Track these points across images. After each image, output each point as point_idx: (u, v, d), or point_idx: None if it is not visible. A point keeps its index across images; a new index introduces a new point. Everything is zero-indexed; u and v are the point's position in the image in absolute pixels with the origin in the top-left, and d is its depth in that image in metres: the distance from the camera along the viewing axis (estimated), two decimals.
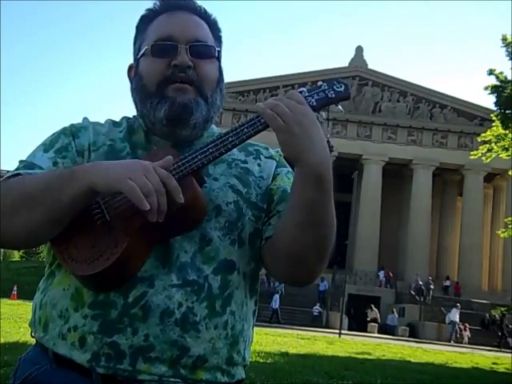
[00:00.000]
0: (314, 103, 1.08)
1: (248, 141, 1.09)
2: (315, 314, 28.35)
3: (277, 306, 26.60)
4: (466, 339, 26.47)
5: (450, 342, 25.25)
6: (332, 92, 1.09)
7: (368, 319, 28.64)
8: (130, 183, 0.97)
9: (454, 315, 26.83)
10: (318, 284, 28.55)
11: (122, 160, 1.09)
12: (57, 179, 1.04)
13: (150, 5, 1.25)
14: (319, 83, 1.10)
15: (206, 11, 1.26)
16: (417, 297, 30.77)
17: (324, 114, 1.10)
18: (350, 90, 1.11)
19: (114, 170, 1.01)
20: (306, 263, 1.14)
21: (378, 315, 29.07)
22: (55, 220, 1.04)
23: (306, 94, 1.08)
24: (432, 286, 31.64)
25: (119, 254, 1.01)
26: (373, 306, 29.26)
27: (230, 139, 1.06)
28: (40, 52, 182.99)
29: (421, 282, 31.37)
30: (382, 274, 33.96)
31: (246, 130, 1.06)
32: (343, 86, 1.10)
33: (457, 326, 26.80)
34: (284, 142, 1.04)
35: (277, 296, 26.53)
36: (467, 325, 27.23)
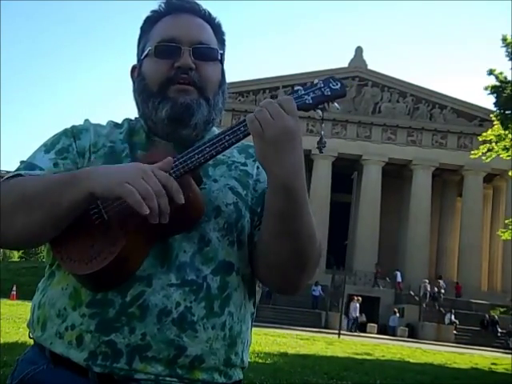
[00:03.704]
0: (311, 101, 1.08)
1: (249, 142, 1.10)
2: (315, 294, 28.28)
3: (357, 315, 26.89)
4: None
5: None
6: (328, 89, 1.09)
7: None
8: (128, 187, 0.97)
9: None
10: (313, 289, 28.26)
11: (121, 164, 1.09)
12: (57, 183, 1.05)
13: (154, 6, 1.26)
14: (315, 81, 1.11)
15: (210, 14, 1.27)
16: (416, 298, 30.71)
17: (320, 112, 1.10)
18: (347, 88, 1.13)
19: (113, 175, 1.01)
20: (285, 273, 1.14)
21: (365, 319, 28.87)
22: (54, 223, 1.05)
23: (303, 92, 1.09)
24: (443, 290, 31.36)
25: (117, 253, 1.01)
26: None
27: (227, 137, 1.06)
28: (40, 52, 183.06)
29: (428, 284, 31.10)
30: (398, 274, 33.88)
31: (242, 128, 1.06)
32: (339, 84, 1.10)
33: None
34: (256, 147, 1.04)
35: (356, 304, 26.81)
36: None
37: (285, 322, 25.31)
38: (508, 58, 15.54)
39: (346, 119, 36.80)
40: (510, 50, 15.37)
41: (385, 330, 27.92)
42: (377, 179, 37.86)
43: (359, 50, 41.26)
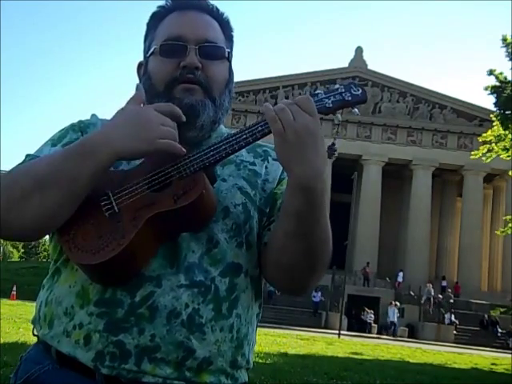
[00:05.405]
0: (331, 105, 1.08)
1: (258, 142, 1.09)
2: (315, 300, 28.14)
3: (395, 319, 27.05)
4: None
5: None
6: (349, 95, 1.09)
7: (367, 320, 28.52)
8: (163, 142, 1.02)
9: None
10: (313, 295, 28.03)
11: (121, 118, 1.06)
12: (70, 158, 1.02)
13: (161, 2, 1.24)
14: (336, 86, 1.11)
15: (218, 10, 1.24)
16: (416, 298, 30.70)
17: (340, 116, 1.09)
18: (367, 95, 1.12)
19: (135, 134, 1.02)
20: (295, 274, 1.12)
21: (373, 317, 28.83)
22: (72, 199, 1.03)
23: (323, 96, 1.08)
24: (452, 300, 31.01)
25: (125, 245, 1.00)
26: (366, 308, 29.15)
27: (244, 136, 1.06)
28: (40, 51, 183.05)
29: (432, 289, 30.95)
30: (400, 274, 33.92)
31: (260, 128, 1.06)
32: (360, 90, 1.10)
33: None
34: (277, 147, 1.02)
35: (395, 309, 26.96)
36: None
37: (285, 322, 25.30)
38: (508, 58, 15.56)
39: (346, 119, 36.73)
40: (510, 50, 15.37)
41: (385, 329, 27.92)
42: (377, 179, 37.87)
43: (359, 50, 41.25)
